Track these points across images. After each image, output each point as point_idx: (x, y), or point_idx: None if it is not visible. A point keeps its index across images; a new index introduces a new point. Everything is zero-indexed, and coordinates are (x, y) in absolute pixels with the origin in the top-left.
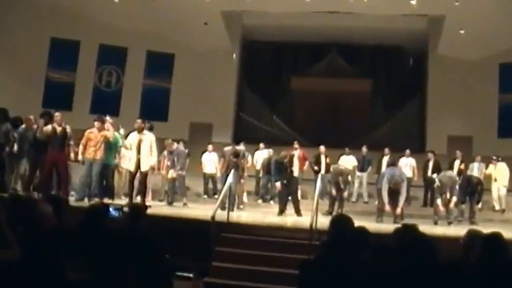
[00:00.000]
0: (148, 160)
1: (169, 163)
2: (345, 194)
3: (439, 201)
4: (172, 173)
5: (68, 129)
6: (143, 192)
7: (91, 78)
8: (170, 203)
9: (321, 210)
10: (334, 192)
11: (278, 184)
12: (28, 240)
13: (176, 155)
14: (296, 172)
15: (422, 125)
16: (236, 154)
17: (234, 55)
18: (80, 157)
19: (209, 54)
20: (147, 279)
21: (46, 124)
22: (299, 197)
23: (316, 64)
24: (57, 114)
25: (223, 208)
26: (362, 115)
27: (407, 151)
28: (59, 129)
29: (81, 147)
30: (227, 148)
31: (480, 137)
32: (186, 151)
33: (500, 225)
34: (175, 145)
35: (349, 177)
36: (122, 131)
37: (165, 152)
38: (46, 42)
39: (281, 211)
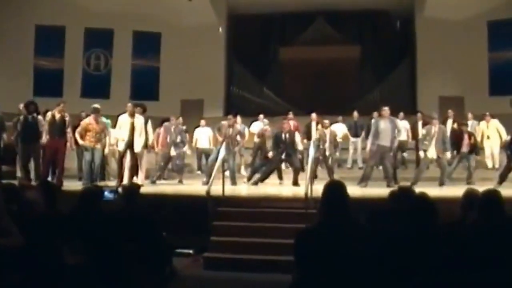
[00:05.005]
0: (140, 142)
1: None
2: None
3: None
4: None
5: (67, 117)
6: (133, 173)
7: (79, 63)
8: (153, 182)
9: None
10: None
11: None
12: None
13: (179, 132)
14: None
15: (412, 87)
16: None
17: (220, 29)
18: (81, 142)
19: (195, 30)
20: (145, 259)
21: (30, 113)
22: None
23: (303, 33)
24: (62, 104)
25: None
26: (352, 81)
27: (401, 114)
28: (58, 116)
29: (77, 135)
30: (224, 122)
31: (471, 96)
32: (184, 127)
33: (495, 183)
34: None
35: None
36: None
37: (161, 130)
38: (31, 30)
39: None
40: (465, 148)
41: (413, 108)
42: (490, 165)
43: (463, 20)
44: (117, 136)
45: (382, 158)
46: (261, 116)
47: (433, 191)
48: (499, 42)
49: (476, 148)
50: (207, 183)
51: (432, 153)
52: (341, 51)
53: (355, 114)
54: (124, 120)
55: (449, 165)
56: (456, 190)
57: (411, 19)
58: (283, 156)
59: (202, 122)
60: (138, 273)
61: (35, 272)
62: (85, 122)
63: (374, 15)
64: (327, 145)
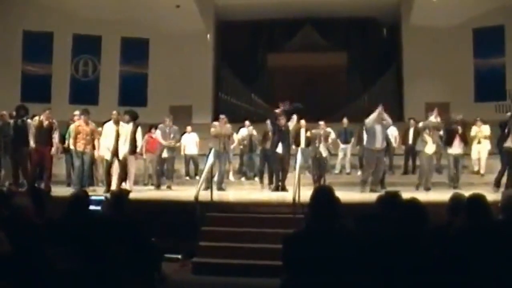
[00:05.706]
0: (124, 149)
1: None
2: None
3: None
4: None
5: (55, 123)
6: (121, 179)
7: (67, 69)
8: (158, 186)
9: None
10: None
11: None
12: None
13: (173, 132)
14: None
15: (399, 94)
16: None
17: (208, 36)
18: (72, 147)
19: (183, 37)
20: (134, 264)
21: (20, 117)
22: None
23: (291, 39)
24: (48, 110)
25: (206, 188)
26: (339, 87)
27: None
28: (46, 123)
29: (71, 140)
30: (216, 123)
31: (457, 102)
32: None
33: (481, 188)
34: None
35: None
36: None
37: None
38: (19, 36)
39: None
40: (457, 148)
41: (400, 114)
42: (476, 168)
43: (449, 28)
44: (106, 145)
45: (377, 163)
46: (247, 122)
47: (420, 195)
48: (484, 49)
49: (467, 140)
50: (206, 188)
51: (430, 148)
52: (329, 58)
53: (345, 120)
54: (109, 128)
55: (441, 170)
56: (442, 195)
57: (398, 26)
58: (280, 151)
59: (189, 128)
60: (127, 278)
61: (25, 277)
62: (75, 125)
63: (361, 22)
64: (322, 145)
